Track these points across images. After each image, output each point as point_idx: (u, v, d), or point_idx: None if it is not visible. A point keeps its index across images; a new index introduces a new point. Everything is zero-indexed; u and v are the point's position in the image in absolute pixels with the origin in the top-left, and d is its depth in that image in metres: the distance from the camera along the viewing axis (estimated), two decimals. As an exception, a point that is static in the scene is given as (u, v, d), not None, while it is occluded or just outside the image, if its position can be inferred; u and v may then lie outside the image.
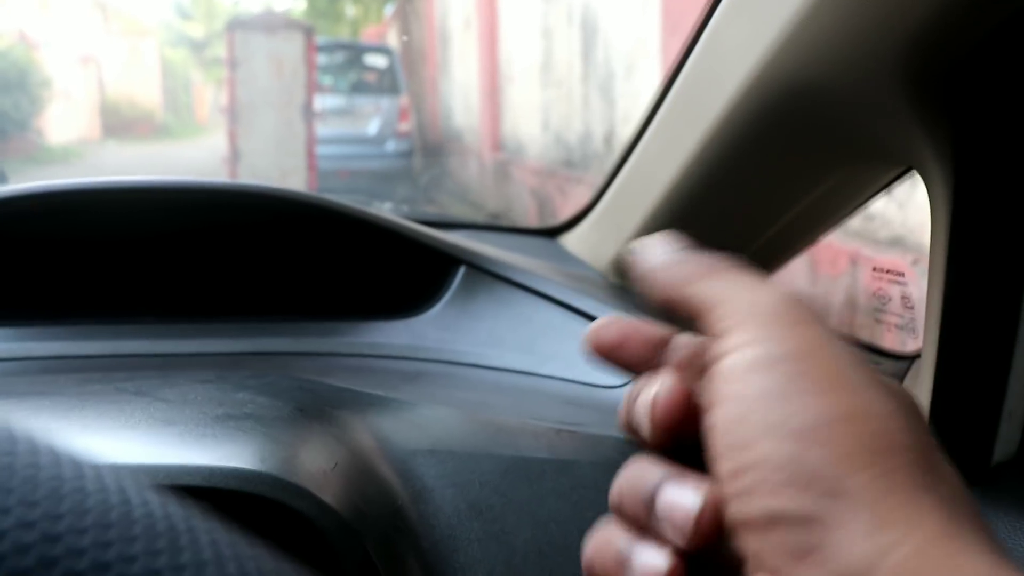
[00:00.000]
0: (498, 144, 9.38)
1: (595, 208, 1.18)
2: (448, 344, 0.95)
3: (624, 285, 1.08)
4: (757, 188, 0.84)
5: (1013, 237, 0.62)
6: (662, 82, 0.90)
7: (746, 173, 0.82)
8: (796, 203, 0.84)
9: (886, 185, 0.82)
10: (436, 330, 0.97)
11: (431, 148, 12.23)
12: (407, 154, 10.33)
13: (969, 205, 0.61)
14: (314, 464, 0.55)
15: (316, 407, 0.67)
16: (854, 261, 3.37)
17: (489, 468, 0.63)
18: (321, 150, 8.97)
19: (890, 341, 0.95)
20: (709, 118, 0.78)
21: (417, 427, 0.68)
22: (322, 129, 9.27)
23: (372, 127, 10.13)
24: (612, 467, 0.65)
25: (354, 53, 11.48)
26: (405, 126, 10.33)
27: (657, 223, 0.98)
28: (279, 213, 1.01)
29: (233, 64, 8.40)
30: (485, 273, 1.01)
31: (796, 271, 3.90)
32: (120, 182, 0.95)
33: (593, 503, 0.61)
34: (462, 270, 1.01)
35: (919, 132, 0.62)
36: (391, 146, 10.10)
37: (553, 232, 1.31)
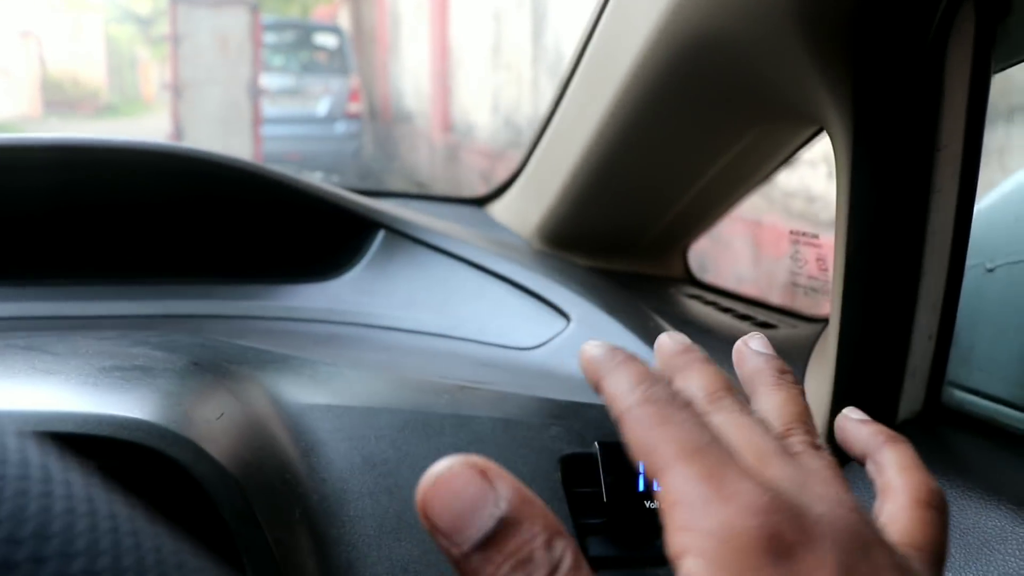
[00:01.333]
0: (448, 126, 9.32)
1: (520, 176, 1.17)
2: (364, 307, 0.93)
3: (547, 252, 1.08)
4: (673, 147, 0.84)
5: (911, 196, 0.62)
6: (577, 45, 0.89)
7: (660, 131, 0.81)
8: (713, 163, 0.84)
9: (800, 145, 0.82)
10: (353, 293, 0.96)
11: (382, 130, 12.12)
12: (357, 135, 10.22)
13: (868, 162, 0.61)
14: (199, 414, 0.54)
15: (213, 362, 0.65)
16: (796, 242, 3.40)
17: (387, 422, 0.62)
18: (269, 130, 8.84)
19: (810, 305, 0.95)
20: (620, 77, 0.77)
21: (316, 383, 0.67)
22: (271, 109, 9.14)
23: (322, 107, 10.00)
24: (512, 423, 0.65)
25: (304, 33, 11.33)
26: (355, 107, 10.22)
27: (578, 188, 0.97)
28: (197, 174, 0.98)
29: (176, 39, 8.24)
30: (404, 237, 1.00)
31: (741, 253, 3.93)
32: (29, 138, 0.92)
33: (490, 457, 0.60)
34: (381, 234, 1.00)
35: (822, 87, 0.62)
36: (341, 127, 9.98)
37: (481, 201, 1.30)
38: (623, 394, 0.36)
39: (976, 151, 0.61)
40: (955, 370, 0.76)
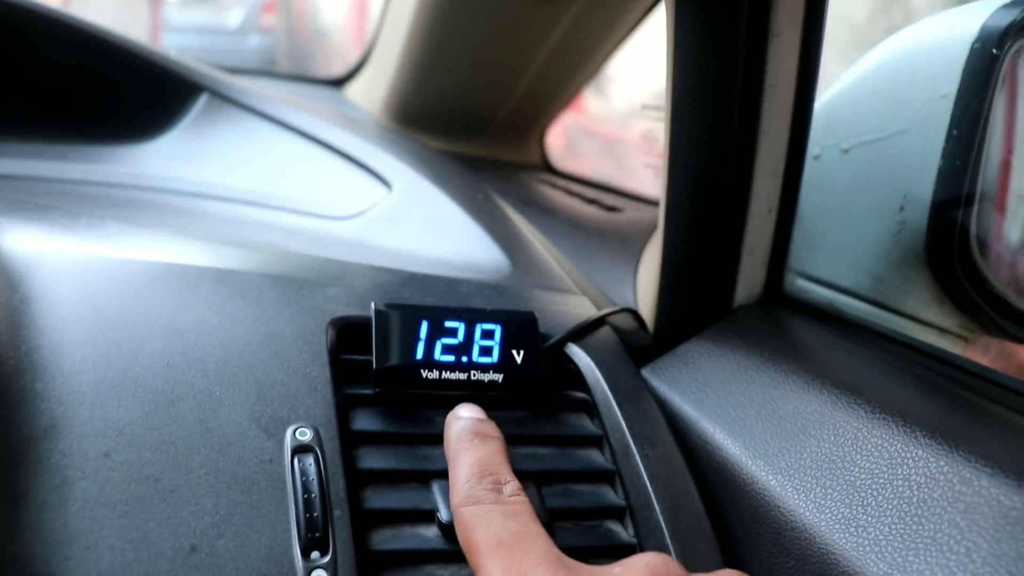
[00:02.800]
0: (364, 43, 9.05)
1: (370, 54, 1.08)
2: (174, 172, 0.83)
3: (393, 129, 0.99)
4: (502, 13, 0.76)
5: (744, 41, 0.54)
6: None
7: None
8: (550, 30, 0.75)
9: (639, 16, 0.74)
10: (163, 158, 0.85)
11: (296, 45, 11.74)
12: (270, 50, 9.82)
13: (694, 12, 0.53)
14: None
15: None
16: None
17: (134, 274, 0.52)
18: (172, 40, 8.43)
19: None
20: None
21: (66, 232, 0.57)
22: (177, 17, 8.71)
23: (233, 19, 9.56)
24: (283, 280, 0.56)
25: (217, -63, 10.78)
26: (269, 20, 9.80)
27: (415, 57, 0.88)
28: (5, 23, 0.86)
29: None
30: (228, 101, 0.89)
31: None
32: None
33: (248, 315, 0.51)
34: (204, 97, 0.90)
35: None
36: (253, 41, 9.55)
37: (338, 82, 1.20)
38: (455, 489, 0.43)
39: (821, -11, 0.54)
40: (803, 258, 0.70)
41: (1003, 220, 0.65)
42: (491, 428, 0.46)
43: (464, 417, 0.47)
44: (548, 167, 1.02)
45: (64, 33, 0.87)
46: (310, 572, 0.41)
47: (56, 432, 0.43)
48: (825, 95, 0.72)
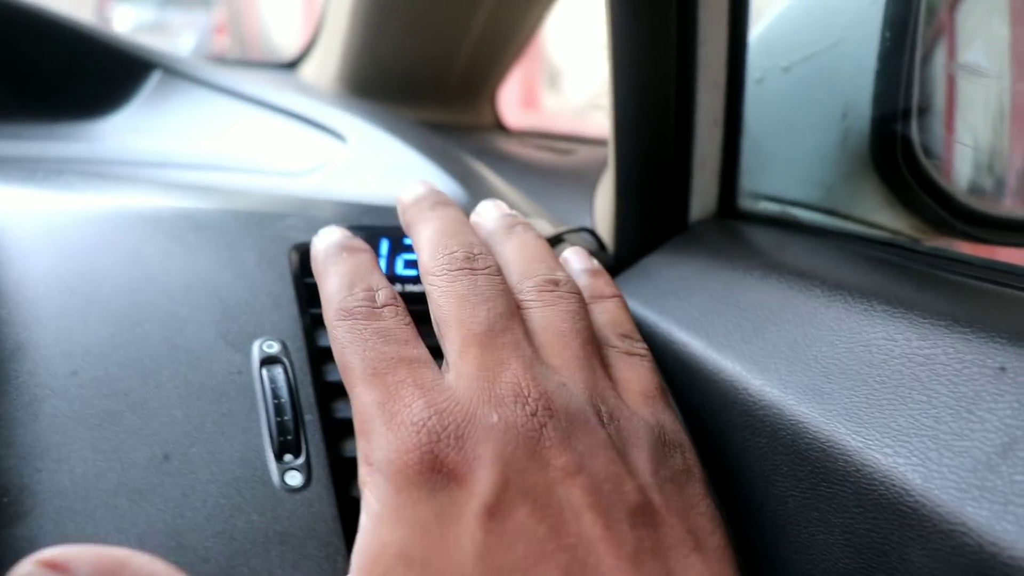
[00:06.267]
0: (319, 61, 9.03)
1: (319, 35, 1.08)
2: (131, 145, 0.84)
3: (347, 95, 1.00)
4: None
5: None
6: None
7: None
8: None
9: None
10: (119, 133, 0.86)
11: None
12: (224, 74, 9.80)
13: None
14: None
15: None
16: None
17: (95, 212, 0.53)
18: (126, 67, 8.38)
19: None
20: None
21: (25, 183, 0.57)
22: (129, 45, 8.67)
23: (185, 43, 9.53)
24: (243, 214, 0.56)
25: (163, -36, 10.75)
26: (222, 43, 9.78)
27: (362, 21, 0.89)
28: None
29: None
30: (182, 76, 0.90)
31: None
32: None
33: (209, 244, 0.52)
34: (157, 74, 0.90)
35: None
36: (207, 66, 9.54)
37: (291, 65, 1.21)
38: (327, 302, 0.39)
39: None
40: (755, 178, 0.71)
41: (948, 115, 0.67)
42: (360, 243, 0.44)
43: (330, 232, 0.45)
44: (502, 128, 1.03)
45: (20, 19, 0.87)
46: (284, 473, 0.42)
47: (23, 354, 0.43)
48: (763, 21, 0.73)
